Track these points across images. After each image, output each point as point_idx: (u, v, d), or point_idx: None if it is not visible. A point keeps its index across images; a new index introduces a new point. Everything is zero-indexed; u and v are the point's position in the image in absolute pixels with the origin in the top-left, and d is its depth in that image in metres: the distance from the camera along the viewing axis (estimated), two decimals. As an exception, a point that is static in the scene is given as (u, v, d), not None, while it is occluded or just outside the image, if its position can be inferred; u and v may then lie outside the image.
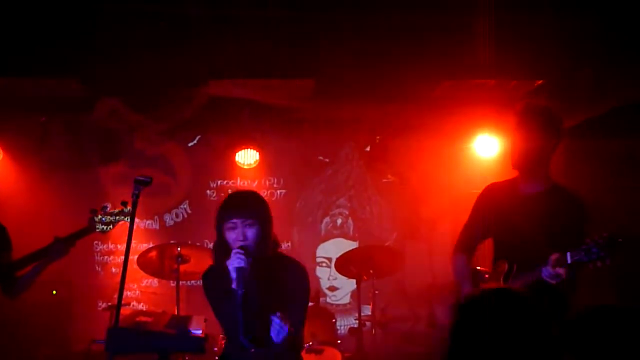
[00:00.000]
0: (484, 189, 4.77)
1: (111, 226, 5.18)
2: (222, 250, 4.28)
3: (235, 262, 4.06)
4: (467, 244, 4.79)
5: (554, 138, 4.41)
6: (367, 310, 7.46)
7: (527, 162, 4.44)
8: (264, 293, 4.16)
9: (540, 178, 4.45)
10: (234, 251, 4.11)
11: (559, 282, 4.04)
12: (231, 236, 4.20)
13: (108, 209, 5.21)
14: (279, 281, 4.21)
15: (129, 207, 5.15)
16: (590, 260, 3.90)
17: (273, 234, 4.31)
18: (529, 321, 2.24)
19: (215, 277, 4.33)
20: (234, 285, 4.04)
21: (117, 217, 5.20)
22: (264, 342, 4.06)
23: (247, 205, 4.26)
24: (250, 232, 4.17)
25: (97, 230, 5.19)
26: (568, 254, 3.96)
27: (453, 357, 2.29)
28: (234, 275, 4.06)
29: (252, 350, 4.08)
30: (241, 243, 4.14)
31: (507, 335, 2.21)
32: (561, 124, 4.47)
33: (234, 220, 4.19)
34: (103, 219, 5.16)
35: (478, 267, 4.72)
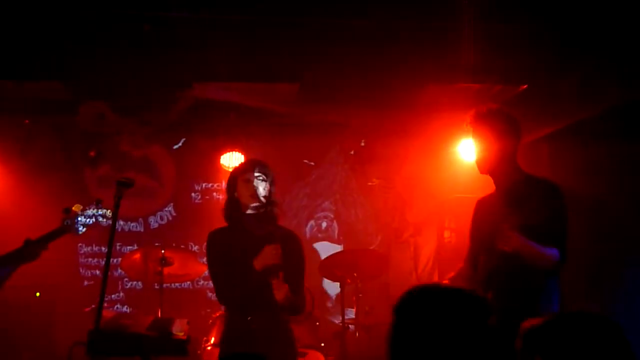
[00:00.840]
0: (475, 205, 4.81)
1: (86, 226, 5.12)
2: (233, 206, 4.78)
3: (269, 257, 4.55)
4: (470, 258, 4.83)
5: (512, 137, 4.45)
6: (351, 313, 7.47)
7: (492, 166, 4.49)
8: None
9: (509, 174, 4.48)
10: (268, 247, 4.56)
11: (514, 247, 4.12)
12: (243, 189, 4.69)
13: (83, 209, 5.15)
14: (285, 253, 4.60)
15: (104, 209, 5.11)
16: (533, 216, 4.08)
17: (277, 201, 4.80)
18: (458, 315, 2.23)
19: (225, 236, 4.76)
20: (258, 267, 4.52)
21: (92, 217, 5.15)
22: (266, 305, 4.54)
23: (262, 163, 4.78)
24: (262, 186, 4.66)
25: (72, 231, 5.13)
26: (515, 216, 4.08)
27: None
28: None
29: (250, 318, 4.58)
30: (252, 195, 4.64)
31: (438, 330, 2.20)
32: (516, 121, 4.50)
33: (250, 174, 4.68)
34: (77, 219, 5.11)
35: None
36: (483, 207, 4.67)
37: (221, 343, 4.94)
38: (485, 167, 4.53)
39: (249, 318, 4.62)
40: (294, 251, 4.74)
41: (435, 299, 2.27)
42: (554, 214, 4.25)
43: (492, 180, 4.64)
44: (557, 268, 4.29)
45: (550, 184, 4.43)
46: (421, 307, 2.27)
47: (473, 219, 4.73)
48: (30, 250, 5.05)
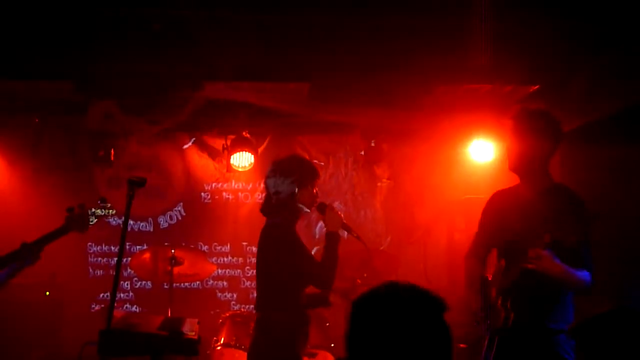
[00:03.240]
0: (489, 197, 4.79)
1: (90, 224, 5.11)
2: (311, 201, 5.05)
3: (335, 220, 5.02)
4: (477, 251, 4.81)
5: (550, 140, 4.44)
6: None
7: (523, 165, 4.48)
8: None
9: (538, 180, 4.47)
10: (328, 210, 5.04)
11: (544, 267, 4.08)
12: (306, 198, 4.99)
13: (86, 207, 5.15)
14: None
15: (108, 208, 5.11)
16: (564, 236, 3.97)
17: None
18: (410, 311, 2.22)
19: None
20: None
21: (95, 215, 5.15)
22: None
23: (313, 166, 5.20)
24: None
25: (76, 229, 5.12)
26: (547, 234, 4.01)
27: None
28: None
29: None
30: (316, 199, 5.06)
31: (392, 331, 2.19)
32: (558, 126, 4.49)
33: (310, 182, 5.01)
34: (82, 217, 5.10)
35: (487, 275, 4.72)
36: (504, 203, 4.63)
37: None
38: (517, 165, 4.52)
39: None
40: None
41: (389, 297, 2.27)
42: (587, 237, 4.18)
43: (507, 181, 4.63)
44: (588, 291, 4.30)
45: (582, 201, 4.40)
46: (374, 305, 2.27)
47: (489, 211, 4.70)
48: (25, 253, 5.02)
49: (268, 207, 5.09)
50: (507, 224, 4.51)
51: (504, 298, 4.33)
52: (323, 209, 5.02)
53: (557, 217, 4.19)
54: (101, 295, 8.37)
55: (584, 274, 4.22)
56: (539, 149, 4.42)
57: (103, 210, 5.18)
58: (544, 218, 4.24)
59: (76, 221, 5.16)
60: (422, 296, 2.25)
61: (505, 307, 4.30)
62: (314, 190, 5.01)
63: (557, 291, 4.30)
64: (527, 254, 4.12)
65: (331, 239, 4.94)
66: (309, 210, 5.05)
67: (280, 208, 4.99)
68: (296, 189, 4.94)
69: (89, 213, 5.14)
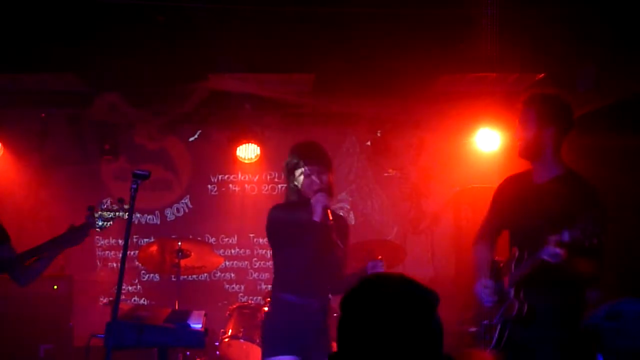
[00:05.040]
0: (501, 182, 4.76)
1: (109, 223, 5.13)
2: (297, 195, 4.83)
3: (322, 199, 4.65)
4: (486, 235, 4.77)
5: (560, 125, 4.36)
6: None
7: (534, 151, 4.41)
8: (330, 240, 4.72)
9: (550, 165, 4.39)
10: (320, 193, 4.69)
11: (561, 263, 4.03)
12: (306, 181, 4.77)
13: (105, 205, 5.16)
14: (338, 227, 4.77)
15: (126, 205, 5.11)
16: (585, 236, 3.88)
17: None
18: (402, 306, 2.19)
19: (288, 210, 4.84)
20: (315, 218, 4.62)
21: (115, 214, 5.16)
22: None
23: (325, 155, 4.88)
24: (325, 179, 4.78)
25: (96, 227, 5.14)
26: (566, 232, 3.94)
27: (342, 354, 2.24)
28: (319, 210, 4.63)
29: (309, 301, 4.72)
30: (319, 186, 4.73)
31: (381, 324, 2.16)
32: (570, 110, 4.42)
33: (312, 167, 4.78)
34: (101, 216, 5.12)
35: (496, 258, 4.70)
36: (516, 189, 4.57)
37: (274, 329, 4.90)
38: (526, 150, 4.45)
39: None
40: (347, 228, 5.05)
41: (380, 291, 2.24)
42: (601, 230, 4.04)
43: (514, 170, 4.61)
44: (595, 282, 4.27)
45: (597, 191, 4.31)
46: (365, 299, 2.24)
47: (501, 195, 4.65)
48: (72, 235, 5.06)
49: None
50: (520, 210, 4.45)
51: (518, 288, 4.31)
52: None
53: (575, 211, 4.13)
54: (109, 288, 8.39)
55: (592, 265, 4.15)
56: (550, 134, 4.34)
57: (119, 211, 5.18)
58: (561, 209, 4.20)
59: (93, 221, 5.18)
60: (412, 289, 2.23)
61: (519, 298, 4.28)
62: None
63: (572, 283, 4.26)
64: (543, 245, 4.05)
65: None
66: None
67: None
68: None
69: (107, 213, 5.14)
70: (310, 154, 4.82)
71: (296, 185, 4.83)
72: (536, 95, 4.50)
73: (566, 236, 3.94)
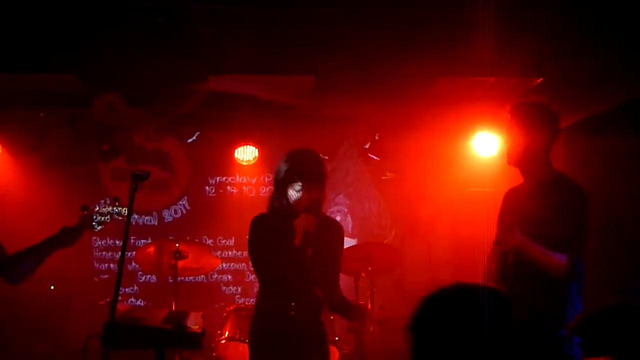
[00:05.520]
0: (503, 195, 4.78)
1: (105, 221, 5.13)
2: (282, 204, 4.64)
3: (304, 223, 4.50)
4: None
5: (548, 131, 4.40)
6: (365, 307, 7.45)
7: (523, 159, 4.45)
8: (315, 250, 4.59)
9: (538, 172, 4.43)
10: (304, 214, 4.51)
11: (514, 248, 4.20)
12: (296, 196, 4.56)
13: (101, 205, 5.16)
14: (326, 239, 4.67)
15: (121, 207, 5.11)
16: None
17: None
18: (480, 317, 2.13)
19: (270, 225, 4.67)
20: (296, 241, 4.48)
21: (110, 214, 5.16)
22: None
23: (315, 173, 4.61)
24: (315, 195, 4.56)
25: (91, 228, 5.14)
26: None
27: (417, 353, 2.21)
28: (299, 234, 4.49)
29: (293, 304, 4.56)
30: (307, 204, 4.53)
31: (462, 338, 2.12)
32: (556, 116, 4.45)
33: (303, 182, 4.54)
34: (95, 216, 5.12)
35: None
36: (509, 200, 4.62)
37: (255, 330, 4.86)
38: (514, 159, 4.48)
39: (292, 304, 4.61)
40: (339, 241, 4.85)
41: (453, 305, 2.18)
42: (571, 221, 4.18)
43: (511, 174, 4.62)
44: (563, 276, 4.21)
45: (577, 187, 4.34)
46: (439, 317, 2.18)
47: (500, 210, 4.69)
48: (64, 236, 5.07)
49: None
50: (506, 220, 4.51)
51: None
52: None
53: (544, 203, 4.19)
54: (106, 289, 8.38)
55: (559, 257, 4.16)
56: (538, 141, 4.38)
57: (115, 209, 5.18)
58: (536, 211, 4.25)
59: (88, 221, 5.19)
60: (490, 295, 2.17)
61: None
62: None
63: (556, 286, 4.26)
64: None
65: None
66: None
67: None
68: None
69: (102, 213, 5.15)
70: (303, 168, 4.58)
71: (284, 193, 4.64)
72: (522, 103, 4.53)
73: (532, 219, 4.09)
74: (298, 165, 4.61)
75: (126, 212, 4.92)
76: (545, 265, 4.20)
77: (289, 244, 4.51)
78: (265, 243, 4.66)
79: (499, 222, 4.62)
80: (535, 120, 4.39)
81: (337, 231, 4.86)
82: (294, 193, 4.56)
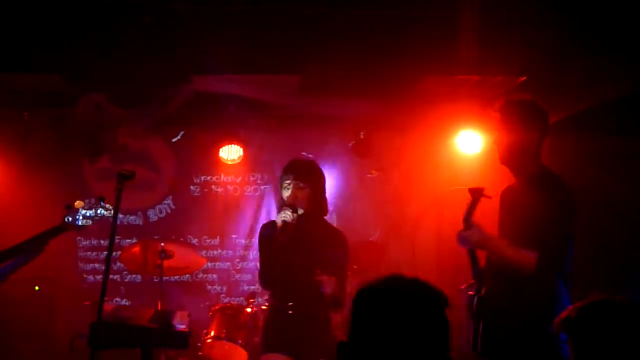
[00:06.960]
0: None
1: (89, 221, 5.10)
2: (279, 205, 5.05)
3: (281, 215, 4.78)
4: None
5: (536, 130, 4.39)
6: (350, 305, 7.46)
7: (512, 157, 4.43)
8: (306, 250, 4.88)
9: (527, 170, 4.43)
10: (284, 208, 4.82)
11: (472, 246, 4.31)
12: (285, 194, 4.90)
13: (85, 205, 5.13)
14: (322, 243, 4.93)
15: (107, 205, 5.09)
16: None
17: (324, 203, 5.09)
18: (412, 309, 2.26)
19: (269, 227, 5.03)
20: (277, 234, 4.76)
21: (94, 214, 5.13)
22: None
23: (302, 171, 4.97)
24: (301, 194, 4.87)
25: (74, 226, 5.10)
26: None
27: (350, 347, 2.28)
28: (278, 227, 4.77)
29: (290, 303, 4.84)
30: (288, 202, 4.84)
31: (393, 322, 2.23)
32: (545, 115, 4.45)
33: (288, 182, 4.89)
34: (79, 215, 5.09)
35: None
36: (505, 199, 4.59)
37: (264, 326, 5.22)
38: (506, 157, 4.46)
39: (289, 304, 4.87)
40: (338, 247, 5.03)
41: (393, 289, 2.33)
42: (548, 216, 4.13)
43: (495, 172, 4.64)
44: (534, 274, 4.12)
45: (561, 184, 4.31)
46: (378, 296, 2.34)
47: (499, 210, 4.65)
48: (28, 246, 5.01)
49: None
50: (500, 219, 4.54)
51: (479, 286, 4.36)
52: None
53: (528, 199, 4.22)
54: (91, 289, 8.35)
55: (528, 254, 4.11)
56: (528, 139, 4.36)
57: (100, 209, 5.15)
58: (517, 203, 4.29)
59: (73, 220, 5.15)
60: (425, 291, 2.31)
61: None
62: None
63: (542, 285, 4.24)
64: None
65: None
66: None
67: None
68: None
69: (87, 211, 5.11)
70: (291, 168, 4.97)
71: (280, 193, 5.05)
72: (511, 102, 4.53)
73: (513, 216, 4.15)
74: (288, 164, 5.02)
75: (111, 211, 4.92)
76: (512, 261, 4.19)
77: (273, 238, 4.81)
78: (260, 244, 5.08)
79: (498, 222, 4.63)
80: (525, 118, 4.38)
81: (338, 239, 5.10)
82: (285, 191, 4.89)
